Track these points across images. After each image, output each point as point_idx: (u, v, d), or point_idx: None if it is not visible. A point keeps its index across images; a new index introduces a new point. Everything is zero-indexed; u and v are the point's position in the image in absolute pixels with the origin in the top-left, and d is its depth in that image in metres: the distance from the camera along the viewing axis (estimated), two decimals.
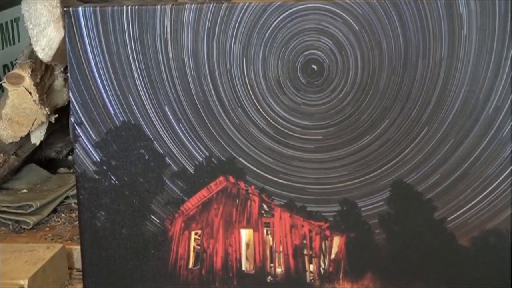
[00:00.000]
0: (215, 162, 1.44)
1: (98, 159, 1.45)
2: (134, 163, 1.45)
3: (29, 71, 1.75)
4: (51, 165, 2.23)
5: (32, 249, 1.61)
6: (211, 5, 1.38)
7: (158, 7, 1.39)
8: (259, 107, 1.42)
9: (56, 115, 1.89)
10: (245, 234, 1.46)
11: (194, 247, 1.47)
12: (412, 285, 1.43)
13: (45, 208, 1.92)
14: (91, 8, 1.40)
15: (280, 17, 1.38)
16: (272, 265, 1.46)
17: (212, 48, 1.40)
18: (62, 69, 1.86)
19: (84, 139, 1.44)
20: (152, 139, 1.44)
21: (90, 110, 1.43)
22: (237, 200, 1.45)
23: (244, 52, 1.40)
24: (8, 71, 2.10)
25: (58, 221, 1.90)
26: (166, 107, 1.43)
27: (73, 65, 1.42)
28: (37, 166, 2.16)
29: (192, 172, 1.44)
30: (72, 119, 1.45)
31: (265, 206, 1.45)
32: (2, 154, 1.91)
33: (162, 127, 1.43)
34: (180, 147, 1.44)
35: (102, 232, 1.47)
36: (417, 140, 1.39)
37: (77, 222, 1.52)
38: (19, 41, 2.32)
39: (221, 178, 1.45)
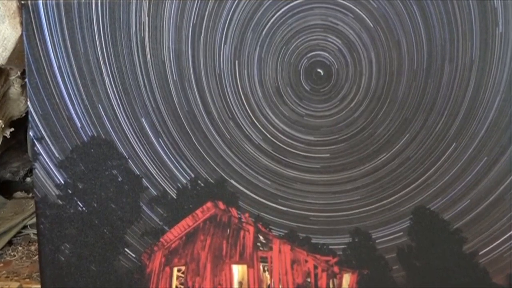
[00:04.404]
0: (202, 185, 1.42)
1: (62, 181, 1.43)
2: (105, 186, 1.43)
3: None
4: (5, 189, 2.21)
5: None
6: None
7: (134, 0, 1.37)
8: (254, 119, 1.41)
9: (12, 129, 1.88)
10: (238, 271, 1.44)
11: (176, 286, 1.45)
12: None
13: None
14: (54, 1, 1.38)
15: (279, 12, 1.37)
16: None
17: (198, 48, 1.39)
18: (19, 73, 1.84)
19: (45, 157, 1.42)
20: (127, 157, 1.42)
21: (52, 123, 1.42)
22: (228, 230, 1.44)
23: (237, 54, 1.38)
24: None
25: (14, 255, 1.87)
26: (143, 120, 1.41)
27: (32, 69, 1.40)
28: None
29: (174, 197, 1.43)
30: (31, 133, 1.42)
31: (261, 238, 1.44)
32: None
33: (139, 143, 1.42)
34: (160, 167, 1.42)
35: (67, 269, 1.45)
36: (443, 158, 1.38)
37: (37, 256, 1.52)
38: None
39: (209, 204, 1.43)
